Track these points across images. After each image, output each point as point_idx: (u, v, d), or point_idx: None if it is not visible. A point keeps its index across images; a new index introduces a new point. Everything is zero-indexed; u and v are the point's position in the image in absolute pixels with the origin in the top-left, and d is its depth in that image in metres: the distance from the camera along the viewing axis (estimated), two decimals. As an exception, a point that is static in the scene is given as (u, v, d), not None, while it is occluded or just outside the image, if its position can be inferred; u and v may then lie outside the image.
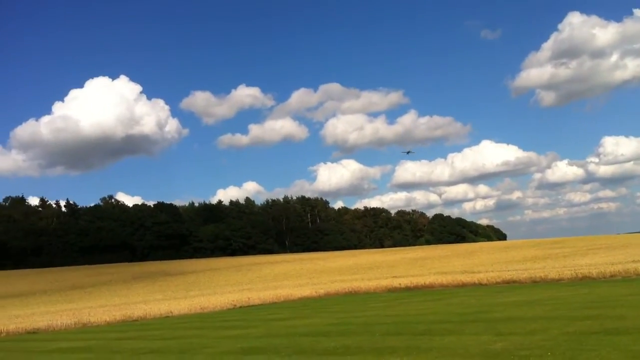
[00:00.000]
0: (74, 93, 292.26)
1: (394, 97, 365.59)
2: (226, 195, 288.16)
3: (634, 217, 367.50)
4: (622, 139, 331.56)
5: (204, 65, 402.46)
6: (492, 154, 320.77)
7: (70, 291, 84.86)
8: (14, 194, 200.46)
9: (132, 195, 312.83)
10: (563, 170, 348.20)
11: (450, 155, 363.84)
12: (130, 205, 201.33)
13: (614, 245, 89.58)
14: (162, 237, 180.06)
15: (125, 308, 47.37)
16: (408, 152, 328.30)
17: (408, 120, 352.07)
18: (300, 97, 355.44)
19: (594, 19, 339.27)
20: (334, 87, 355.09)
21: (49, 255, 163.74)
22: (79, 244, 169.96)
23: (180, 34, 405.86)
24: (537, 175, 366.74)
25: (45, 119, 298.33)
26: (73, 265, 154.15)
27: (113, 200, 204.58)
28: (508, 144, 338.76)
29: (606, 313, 18.30)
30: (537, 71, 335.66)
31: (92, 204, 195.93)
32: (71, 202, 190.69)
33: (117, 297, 70.68)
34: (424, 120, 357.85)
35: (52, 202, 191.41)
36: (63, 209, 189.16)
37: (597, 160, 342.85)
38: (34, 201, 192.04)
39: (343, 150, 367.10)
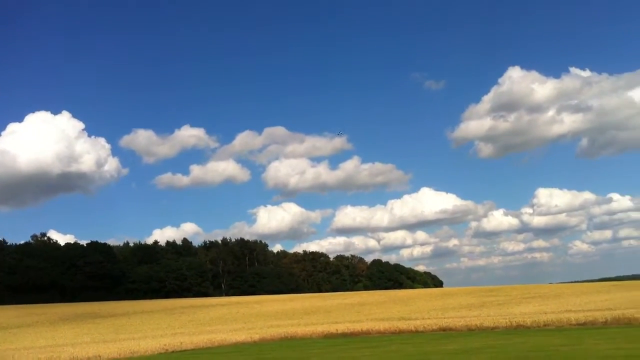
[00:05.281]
0: (12, 127, 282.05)
1: (338, 142, 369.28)
2: (163, 235, 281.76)
3: (565, 267, 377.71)
4: (556, 191, 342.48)
5: (148, 104, 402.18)
6: (431, 201, 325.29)
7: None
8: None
9: (65, 233, 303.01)
10: (499, 219, 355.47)
11: (390, 202, 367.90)
12: (62, 243, 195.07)
13: (547, 295, 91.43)
14: (94, 278, 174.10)
15: (51, 350, 45.25)
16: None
17: (350, 166, 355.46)
18: (244, 139, 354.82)
19: (534, 74, 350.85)
20: (279, 131, 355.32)
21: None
22: (5, 282, 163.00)
23: (126, 71, 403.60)
24: (474, 224, 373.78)
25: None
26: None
27: (45, 238, 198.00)
28: (447, 192, 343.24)
29: (542, 363, 18.37)
30: (477, 123, 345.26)
31: (22, 242, 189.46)
32: (0, 238, 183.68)
33: (43, 339, 67.61)
34: (366, 166, 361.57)
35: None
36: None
37: (531, 211, 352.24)
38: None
39: (284, 194, 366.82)
